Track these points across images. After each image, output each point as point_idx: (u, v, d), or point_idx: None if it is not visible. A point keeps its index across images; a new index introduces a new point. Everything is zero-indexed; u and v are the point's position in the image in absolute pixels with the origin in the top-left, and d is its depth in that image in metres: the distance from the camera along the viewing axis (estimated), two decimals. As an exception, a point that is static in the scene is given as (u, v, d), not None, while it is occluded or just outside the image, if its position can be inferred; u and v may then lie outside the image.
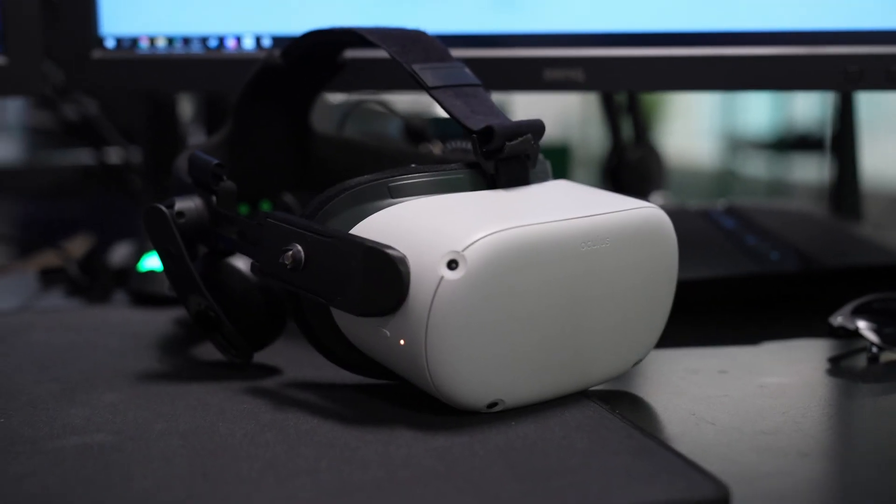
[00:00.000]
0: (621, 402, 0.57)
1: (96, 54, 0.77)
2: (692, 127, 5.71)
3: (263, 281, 0.59)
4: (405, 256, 0.52)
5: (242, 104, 0.69)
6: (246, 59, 0.75)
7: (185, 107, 1.05)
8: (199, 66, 0.76)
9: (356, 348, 0.56)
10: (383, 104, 0.90)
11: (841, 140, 0.94)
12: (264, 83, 0.68)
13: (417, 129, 0.88)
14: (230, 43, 0.76)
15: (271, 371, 0.62)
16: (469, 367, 0.53)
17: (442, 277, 0.51)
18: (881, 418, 0.55)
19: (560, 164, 1.39)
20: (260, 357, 0.63)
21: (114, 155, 1.01)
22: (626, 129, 1.05)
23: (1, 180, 1.26)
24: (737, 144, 4.43)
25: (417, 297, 0.51)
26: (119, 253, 0.90)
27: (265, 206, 0.72)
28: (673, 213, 0.86)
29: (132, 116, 0.98)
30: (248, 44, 0.76)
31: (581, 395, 0.57)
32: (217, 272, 0.61)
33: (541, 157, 0.62)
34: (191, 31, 0.76)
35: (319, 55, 0.68)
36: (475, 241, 0.51)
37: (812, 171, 4.07)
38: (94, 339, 0.70)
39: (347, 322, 0.55)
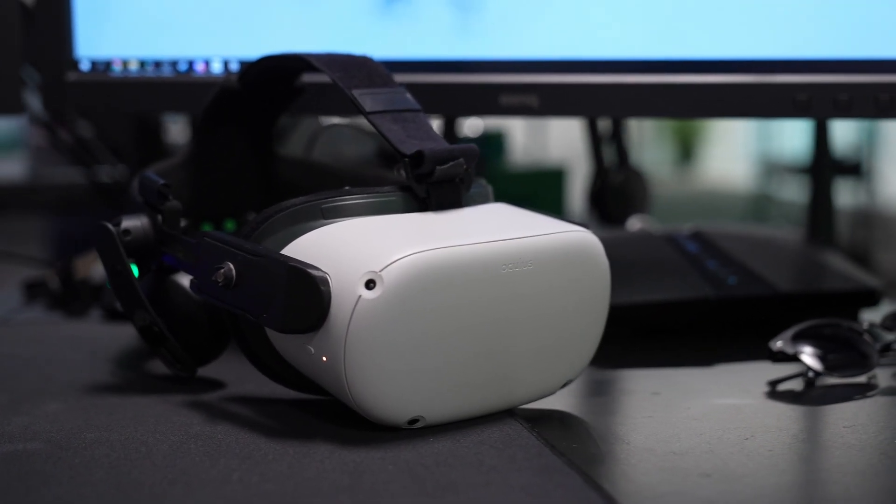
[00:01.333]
0: (549, 421, 0.58)
1: (71, 76, 0.79)
2: (732, 151, 5.70)
3: (202, 298, 0.61)
4: (327, 276, 0.53)
5: (202, 126, 0.72)
6: (213, 82, 0.77)
7: (180, 126, 1.07)
8: (170, 89, 0.78)
9: (290, 364, 0.58)
10: (355, 127, 0.92)
11: (816, 166, 0.95)
12: (223, 106, 0.70)
13: (389, 152, 0.89)
14: (199, 66, 0.78)
15: (215, 385, 0.64)
16: (388, 385, 0.54)
17: (360, 297, 0.53)
18: (797, 443, 0.56)
19: (555, 186, 1.41)
20: (206, 371, 0.65)
21: (105, 174, 1.04)
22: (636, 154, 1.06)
23: (7, 198, 1.30)
24: (773, 169, 4.41)
25: (338, 315, 0.53)
26: (101, 269, 0.93)
27: (229, 226, 0.74)
28: (637, 238, 0.89)
29: (124, 137, 1.01)
30: (217, 67, 0.78)
31: (506, 414, 0.58)
32: (162, 289, 0.63)
33: (482, 181, 0.64)
34: (162, 54, 0.78)
35: (275, 79, 0.70)
36: (393, 262, 0.53)
37: (847, 195, 4.05)
38: (55, 352, 0.72)
39: (279, 339, 0.57)
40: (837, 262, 0.86)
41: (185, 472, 0.50)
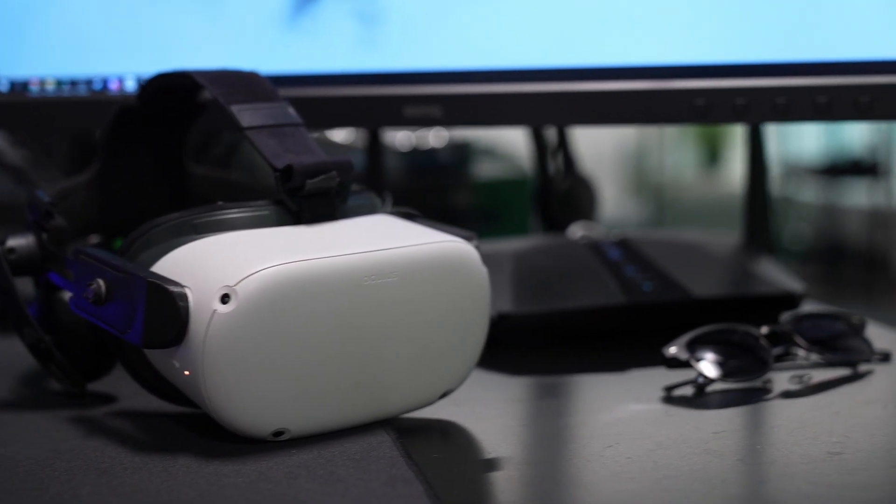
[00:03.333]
0: (425, 431, 0.59)
1: (-10, 97, 0.81)
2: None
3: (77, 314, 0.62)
4: (186, 291, 0.54)
5: (107, 143, 0.72)
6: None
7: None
8: (85, 108, 0.79)
9: (167, 379, 0.59)
10: (325, 140, 0.93)
11: (751, 173, 0.94)
12: (124, 124, 0.71)
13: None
14: (113, 84, 0.79)
15: (106, 400, 0.65)
16: (249, 397, 0.55)
17: (214, 311, 0.53)
18: (659, 449, 0.55)
19: (519, 196, 1.41)
20: (101, 386, 0.65)
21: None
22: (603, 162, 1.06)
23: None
24: (791, 171, 4.39)
25: (196, 329, 0.54)
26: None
27: (117, 244, 0.75)
28: (560, 245, 0.89)
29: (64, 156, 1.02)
30: (130, 85, 0.79)
31: (379, 424, 0.58)
32: (49, 306, 0.64)
33: (370, 193, 0.64)
34: (78, 73, 0.80)
35: (173, 97, 0.71)
36: (248, 276, 0.53)
37: (863, 196, 4.02)
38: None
39: (153, 354, 0.58)
40: (765, 267, 0.86)
41: (38, 487, 0.51)
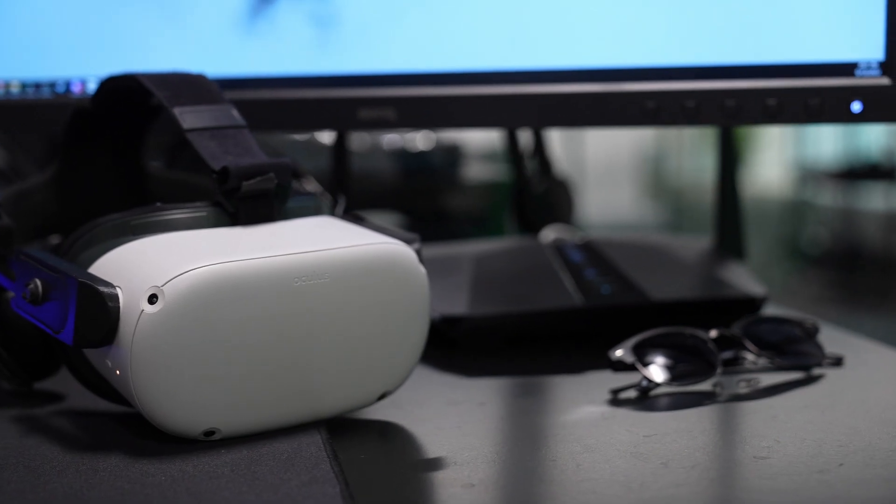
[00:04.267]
0: (365, 432, 0.59)
1: (-43, 100, 0.82)
2: (778, 158, 5.63)
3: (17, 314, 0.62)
4: (116, 292, 0.55)
5: (64, 145, 0.73)
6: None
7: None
8: (48, 110, 0.80)
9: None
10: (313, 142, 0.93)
11: (723, 177, 0.94)
12: (80, 126, 0.72)
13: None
14: (76, 87, 0.80)
15: (53, 399, 0.65)
16: (178, 397, 0.55)
17: (142, 311, 0.54)
18: (586, 453, 0.55)
19: (499, 197, 1.41)
20: (50, 385, 0.66)
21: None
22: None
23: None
24: (808, 175, 4.37)
25: (124, 329, 0.54)
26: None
27: None
28: (523, 248, 0.89)
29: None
30: (92, 87, 0.80)
31: (314, 425, 0.59)
32: (-4, 305, 0.65)
33: (314, 195, 0.65)
34: (41, 76, 0.80)
35: (126, 99, 0.71)
36: (176, 277, 0.54)
37: (880, 200, 3.99)
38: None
39: (90, 354, 0.58)
40: (731, 271, 0.85)
41: (-37, 485, 0.52)
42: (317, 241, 0.58)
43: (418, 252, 0.62)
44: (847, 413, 0.61)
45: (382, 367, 0.60)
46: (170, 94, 0.64)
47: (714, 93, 0.70)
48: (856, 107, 0.69)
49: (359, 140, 1.38)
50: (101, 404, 0.62)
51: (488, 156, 1.50)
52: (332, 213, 0.67)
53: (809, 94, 0.69)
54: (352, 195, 0.89)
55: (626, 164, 5.37)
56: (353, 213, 0.67)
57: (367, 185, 1.38)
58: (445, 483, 0.51)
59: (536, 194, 1.05)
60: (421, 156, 1.40)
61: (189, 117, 0.63)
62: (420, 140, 1.35)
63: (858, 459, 0.53)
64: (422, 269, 0.61)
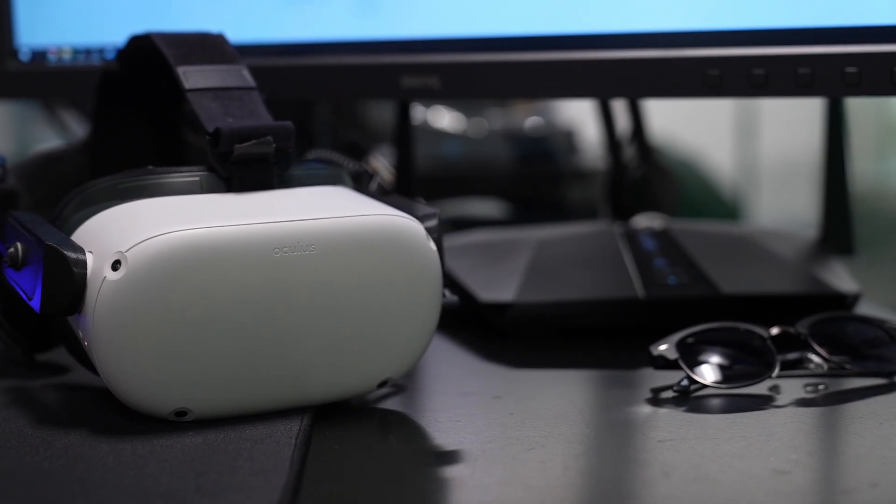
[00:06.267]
0: (362, 420, 0.54)
1: (11, 66, 0.80)
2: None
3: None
4: (84, 257, 0.51)
5: (96, 111, 0.70)
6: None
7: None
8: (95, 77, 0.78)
9: None
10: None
11: (830, 161, 0.85)
12: (108, 89, 0.69)
13: (351, 145, 0.86)
14: (124, 53, 0.77)
15: (56, 371, 0.62)
16: (143, 372, 0.51)
17: (104, 278, 0.50)
18: (583, 456, 0.49)
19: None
20: (55, 356, 0.63)
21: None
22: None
23: None
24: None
25: (90, 297, 0.51)
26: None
27: None
28: (594, 233, 0.82)
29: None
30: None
31: (299, 411, 0.54)
32: (-1, 273, 0.62)
33: (335, 165, 0.60)
34: (91, 41, 0.78)
35: (151, 60, 0.68)
36: (140, 242, 0.50)
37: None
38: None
39: (72, 323, 0.55)
40: (826, 267, 0.76)
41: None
42: (308, 209, 0.53)
43: (432, 229, 0.56)
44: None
45: (383, 352, 0.55)
46: (178, 53, 0.60)
47: (789, 59, 0.62)
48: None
49: (476, 126, 1.33)
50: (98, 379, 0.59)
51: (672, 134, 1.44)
52: (365, 187, 0.62)
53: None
54: (416, 174, 0.84)
55: (804, 166, 5.15)
56: (382, 188, 0.62)
57: (481, 171, 1.32)
58: (412, 479, 0.45)
59: (633, 181, 0.98)
60: (537, 142, 1.33)
61: (193, 77, 0.59)
62: (528, 126, 1.30)
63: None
64: (431, 247, 0.55)
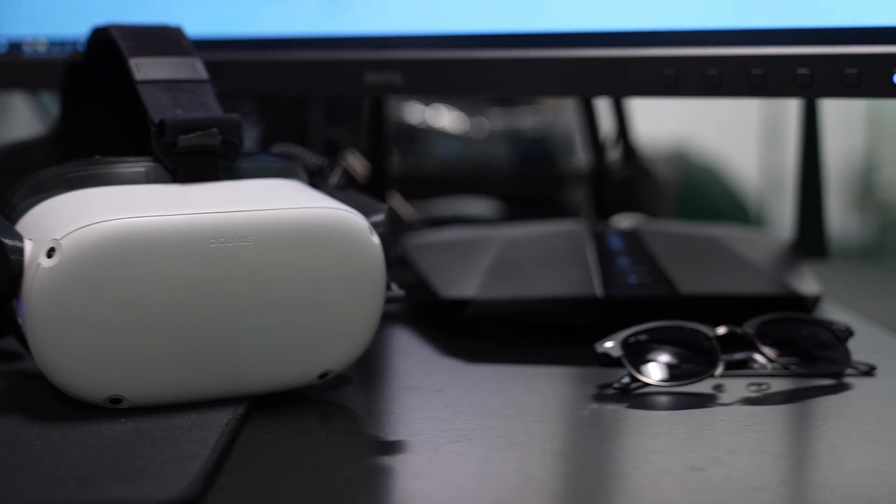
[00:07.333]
0: (301, 411, 0.54)
1: (-11, 57, 0.81)
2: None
3: None
4: (21, 245, 0.52)
5: (63, 101, 0.71)
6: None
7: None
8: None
9: None
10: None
11: (805, 164, 0.84)
12: (74, 80, 0.70)
13: (327, 141, 0.87)
14: (96, 45, 0.78)
15: (7, 357, 0.63)
16: (76, 359, 0.51)
17: (39, 265, 0.51)
18: (504, 449, 0.49)
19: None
20: (10, 343, 0.64)
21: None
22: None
23: None
24: None
25: (26, 283, 0.51)
26: None
27: None
28: (560, 231, 0.81)
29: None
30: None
31: (232, 401, 0.54)
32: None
33: (284, 155, 0.61)
34: (66, 33, 0.79)
35: (115, 53, 0.69)
36: (74, 231, 0.51)
37: None
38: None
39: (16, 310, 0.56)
40: (790, 268, 0.76)
41: None
42: (247, 201, 0.54)
43: (378, 223, 0.56)
44: (842, 428, 0.53)
45: (323, 345, 0.55)
46: (133, 45, 0.61)
47: (742, 59, 0.61)
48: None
49: (477, 126, 1.33)
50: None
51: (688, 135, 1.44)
52: (324, 181, 0.62)
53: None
54: (390, 169, 0.85)
55: (832, 172, 5.11)
56: (342, 183, 0.63)
57: (481, 171, 1.33)
58: (331, 470, 0.46)
59: (615, 181, 0.98)
60: (537, 142, 1.33)
61: (145, 68, 0.60)
62: (531, 127, 1.30)
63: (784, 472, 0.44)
64: (374, 241, 0.55)
